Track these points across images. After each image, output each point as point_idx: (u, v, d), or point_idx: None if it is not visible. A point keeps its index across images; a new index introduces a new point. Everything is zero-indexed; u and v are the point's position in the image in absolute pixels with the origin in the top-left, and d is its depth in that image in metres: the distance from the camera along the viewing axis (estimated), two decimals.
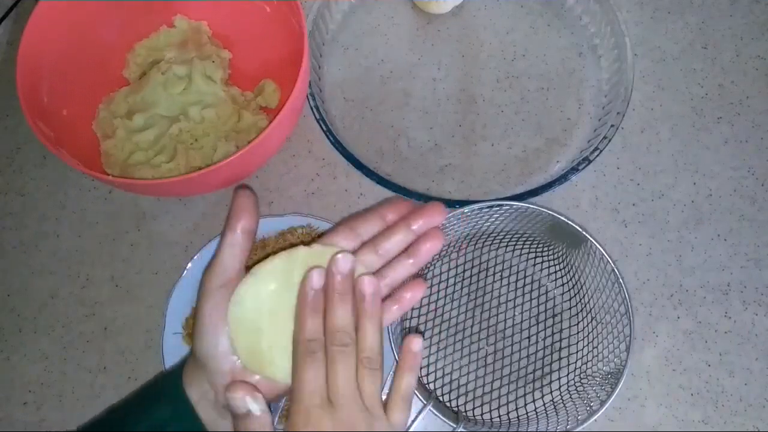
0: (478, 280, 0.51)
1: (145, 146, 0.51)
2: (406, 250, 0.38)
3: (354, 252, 0.37)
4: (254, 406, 0.33)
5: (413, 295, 0.38)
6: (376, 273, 0.37)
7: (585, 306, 0.49)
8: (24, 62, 0.46)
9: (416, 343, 0.37)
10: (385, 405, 0.36)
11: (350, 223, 0.38)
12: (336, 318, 0.35)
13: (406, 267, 0.38)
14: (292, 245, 0.50)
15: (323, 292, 0.35)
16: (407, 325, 0.49)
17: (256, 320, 0.34)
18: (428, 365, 0.48)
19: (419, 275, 0.39)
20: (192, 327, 0.36)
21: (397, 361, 0.40)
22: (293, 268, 0.35)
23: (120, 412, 0.40)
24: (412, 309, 0.49)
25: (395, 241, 0.38)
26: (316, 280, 0.35)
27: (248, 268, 0.37)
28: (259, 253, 0.49)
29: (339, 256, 0.36)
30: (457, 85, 0.57)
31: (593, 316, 0.48)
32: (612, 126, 0.52)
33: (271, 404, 0.36)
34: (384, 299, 0.38)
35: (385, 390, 0.41)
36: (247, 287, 0.35)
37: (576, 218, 0.51)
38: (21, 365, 0.50)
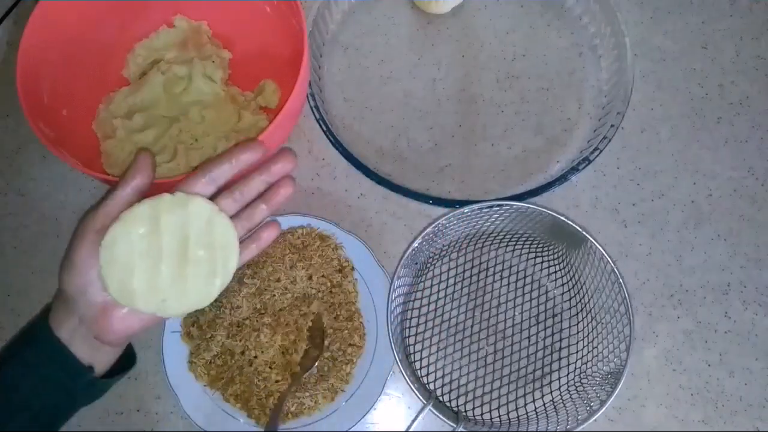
0: (478, 280, 0.51)
1: (145, 146, 0.51)
2: (262, 196, 0.40)
3: (212, 197, 0.39)
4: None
5: (269, 235, 0.41)
6: (234, 216, 0.39)
7: (585, 306, 0.49)
8: (24, 62, 0.46)
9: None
10: None
11: (205, 169, 0.39)
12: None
13: (262, 212, 0.40)
14: (292, 245, 0.50)
15: None
16: (408, 325, 0.49)
17: (127, 260, 0.36)
18: (428, 365, 0.48)
19: (275, 219, 0.43)
20: (61, 264, 0.38)
21: (395, 355, 0.40)
22: (159, 214, 0.37)
23: None
24: (412, 309, 0.49)
25: (251, 188, 0.40)
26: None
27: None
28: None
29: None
30: (457, 85, 0.57)
31: (593, 316, 0.48)
32: (612, 126, 0.52)
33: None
34: (242, 241, 0.40)
35: (384, 389, 0.41)
36: (118, 230, 0.36)
37: (576, 218, 0.51)
38: None
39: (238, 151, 0.39)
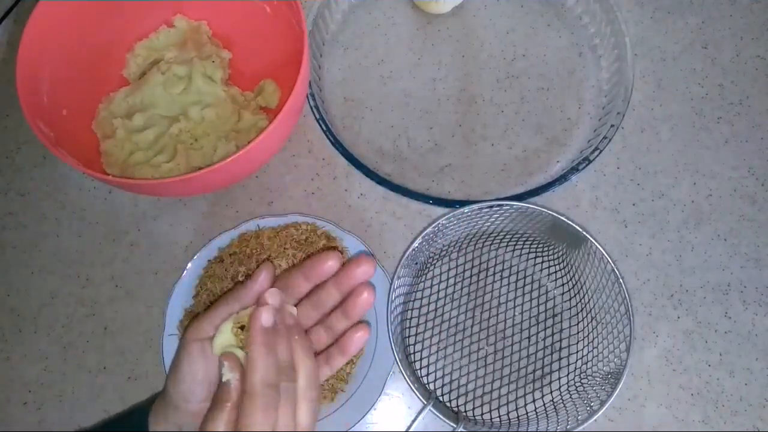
0: (478, 280, 0.51)
1: (145, 146, 0.51)
2: (342, 306, 0.40)
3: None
4: (229, 375, 0.36)
5: (360, 337, 0.40)
6: (315, 325, 0.40)
7: (585, 306, 0.49)
8: (24, 62, 0.46)
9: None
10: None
11: (282, 283, 0.40)
12: (282, 359, 0.36)
13: (342, 322, 0.40)
14: (295, 239, 0.50)
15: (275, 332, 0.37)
16: (408, 325, 0.49)
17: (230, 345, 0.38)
18: (428, 365, 0.48)
19: (361, 321, 0.41)
20: (170, 373, 0.39)
21: (395, 355, 0.41)
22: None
23: None
24: (412, 309, 0.49)
25: (328, 296, 0.40)
26: (266, 319, 0.36)
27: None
28: (252, 243, 0.49)
29: (267, 293, 0.38)
30: (457, 85, 0.57)
31: (593, 316, 0.48)
32: (612, 126, 0.52)
33: None
34: (329, 347, 0.40)
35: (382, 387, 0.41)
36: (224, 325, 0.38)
37: (576, 218, 0.51)
38: (21, 365, 0.50)
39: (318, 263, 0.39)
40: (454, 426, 0.43)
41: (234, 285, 0.47)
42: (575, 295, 0.50)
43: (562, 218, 0.45)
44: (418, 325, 0.49)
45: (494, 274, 0.51)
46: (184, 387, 0.38)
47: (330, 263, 0.38)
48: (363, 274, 0.39)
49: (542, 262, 0.51)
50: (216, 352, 0.37)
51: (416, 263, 0.49)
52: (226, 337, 0.37)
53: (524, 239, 0.51)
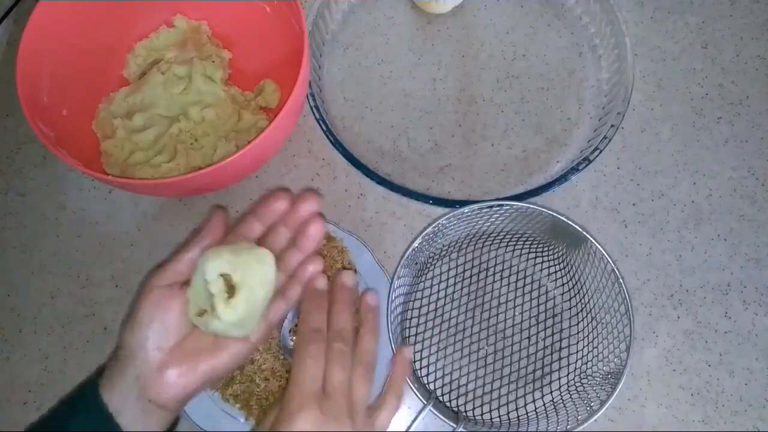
0: (478, 280, 0.51)
1: (145, 146, 0.51)
2: (294, 241, 0.41)
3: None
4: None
5: (315, 267, 0.41)
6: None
7: (585, 306, 0.49)
8: (24, 62, 0.46)
9: (408, 351, 0.43)
10: (377, 403, 0.40)
11: (257, 214, 0.41)
12: (341, 320, 0.39)
13: (295, 255, 0.41)
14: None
15: (328, 294, 0.40)
16: (408, 325, 0.49)
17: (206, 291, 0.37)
18: (428, 365, 0.48)
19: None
20: (123, 320, 0.38)
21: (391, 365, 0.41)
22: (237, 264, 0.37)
23: (37, 429, 0.39)
24: (412, 309, 0.49)
25: (279, 237, 0.41)
26: (322, 282, 0.40)
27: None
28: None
29: (346, 272, 0.41)
30: (457, 85, 0.57)
31: (593, 316, 0.48)
32: (612, 126, 0.52)
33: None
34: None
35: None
36: (209, 263, 0.37)
37: (576, 218, 0.51)
38: (21, 365, 0.50)
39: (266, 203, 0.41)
40: (454, 426, 0.43)
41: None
42: (575, 295, 0.50)
43: (562, 218, 0.45)
44: (418, 325, 0.49)
45: (494, 274, 0.51)
46: (141, 333, 0.36)
47: (279, 202, 0.41)
48: (308, 210, 0.41)
49: (542, 262, 0.51)
50: (190, 313, 0.37)
51: (416, 263, 0.49)
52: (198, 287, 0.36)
53: (524, 239, 0.51)
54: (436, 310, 0.50)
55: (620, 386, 0.41)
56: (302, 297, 0.40)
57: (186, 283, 0.38)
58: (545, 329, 0.49)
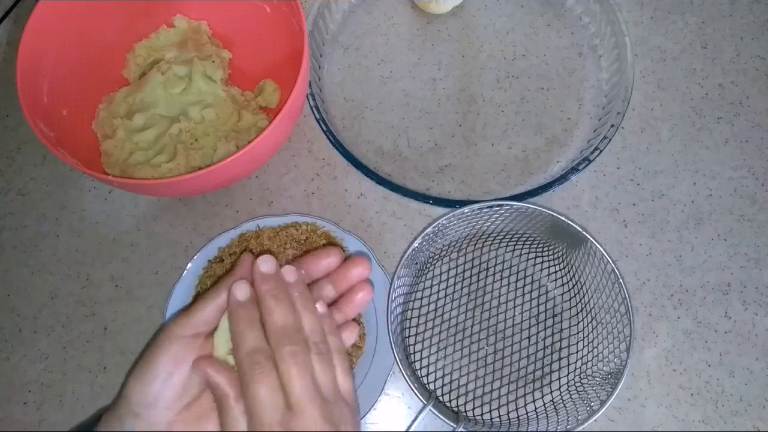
0: (478, 280, 0.51)
1: (145, 146, 0.51)
2: (337, 302, 0.39)
3: None
4: (217, 377, 0.33)
5: (348, 337, 0.39)
6: None
7: (585, 306, 0.49)
8: (24, 62, 0.45)
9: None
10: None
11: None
12: (275, 319, 0.34)
13: (336, 317, 0.39)
14: (295, 239, 0.50)
15: (254, 303, 0.35)
16: (408, 325, 0.49)
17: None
18: (428, 365, 0.48)
19: (354, 319, 0.41)
20: (132, 370, 0.34)
21: (395, 355, 0.40)
22: None
23: None
24: (412, 309, 0.49)
25: (324, 291, 0.39)
26: (241, 291, 0.35)
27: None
28: (252, 243, 0.49)
29: (259, 260, 0.36)
30: (457, 85, 0.57)
31: (593, 316, 0.48)
32: (612, 126, 0.52)
33: None
34: None
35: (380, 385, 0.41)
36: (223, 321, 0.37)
37: (576, 218, 0.51)
38: (21, 365, 0.50)
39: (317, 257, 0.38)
40: (454, 426, 0.43)
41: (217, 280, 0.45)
42: (575, 295, 0.50)
43: (562, 218, 0.45)
44: (418, 325, 0.49)
45: (494, 274, 0.51)
46: (153, 389, 0.33)
47: (331, 259, 0.39)
48: (358, 275, 0.39)
49: (542, 262, 0.51)
50: (219, 354, 0.35)
51: (416, 263, 0.49)
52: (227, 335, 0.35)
53: (524, 239, 0.51)
54: (436, 310, 0.50)
55: (620, 386, 0.41)
56: (229, 313, 0.35)
57: (210, 334, 0.36)
58: (545, 329, 0.49)
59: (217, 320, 0.36)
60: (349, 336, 0.39)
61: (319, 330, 0.35)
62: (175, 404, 0.34)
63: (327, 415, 0.32)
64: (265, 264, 0.36)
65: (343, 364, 0.35)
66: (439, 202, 0.50)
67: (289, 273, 0.36)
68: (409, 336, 0.48)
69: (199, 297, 0.37)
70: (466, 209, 0.46)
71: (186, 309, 0.36)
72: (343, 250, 0.50)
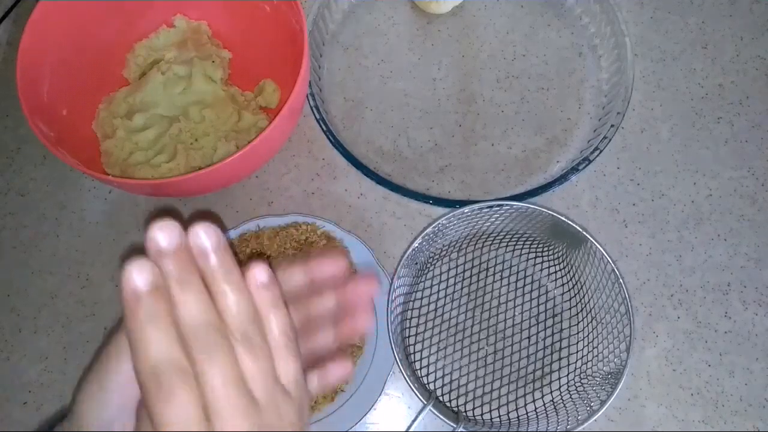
0: (478, 280, 0.51)
1: (145, 146, 0.51)
2: (337, 323, 0.33)
3: None
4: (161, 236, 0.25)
5: (336, 374, 0.32)
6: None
7: (585, 306, 0.49)
8: (24, 62, 0.46)
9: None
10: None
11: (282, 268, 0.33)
12: (183, 313, 0.24)
13: (328, 340, 0.33)
14: (295, 239, 0.50)
15: (160, 290, 0.24)
16: (408, 325, 0.49)
17: None
18: (428, 365, 0.48)
19: (347, 353, 0.34)
20: (82, 387, 0.29)
21: (395, 356, 0.40)
22: None
23: None
24: (412, 309, 0.49)
25: (322, 304, 0.33)
26: (140, 277, 0.24)
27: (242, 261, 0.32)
28: (252, 243, 0.49)
29: (151, 226, 0.25)
30: (457, 85, 0.57)
31: (593, 316, 0.48)
32: (612, 126, 0.52)
33: None
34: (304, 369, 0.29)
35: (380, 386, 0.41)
36: None
37: (576, 218, 0.51)
38: (21, 365, 0.50)
39: (318, 261, 0.32)
40: (454, 426, 0.43)
41: None
42: (575, 295, 0.50)
43: (562, 218, 0.45)
44: (418, 325, 0.49)
45: (494, 274, 0.51)
46: (108, 413, 0.28)
47: (337, 263, 0.33)
48: (365, 292, 0.33)
49: (542, 262, 0.51)
50: None
51: (416, 263, 0.49)
52: None
53: (524, 239, 0.51)
54: (436, 310, 0.50)
55: (620, 386, 0.41)
56: (124, 310, 0.24)
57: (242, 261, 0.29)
58: (545, 329, 0.49)
59: None
60: (338, 370, 0.32)
61: (246, 312, 0.26)
62: (132, 422, 0.28)
63: (257, 422, 0.25)
64: (162, 232, 0.24)
65: (284, 346, 0.27)
66: (439, 202, 0.50)
67: (203, 235, 0.25)
68: (409, 336, 0.48)
69: None
70: (466, 209, 0.46)
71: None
72: (346, 251, 0.50)
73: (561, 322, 0.49)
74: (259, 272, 0.27)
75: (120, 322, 0.26)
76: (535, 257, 0.51)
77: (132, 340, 0.24)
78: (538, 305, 0.50)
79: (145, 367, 0.24)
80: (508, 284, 0.50)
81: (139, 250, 0.25)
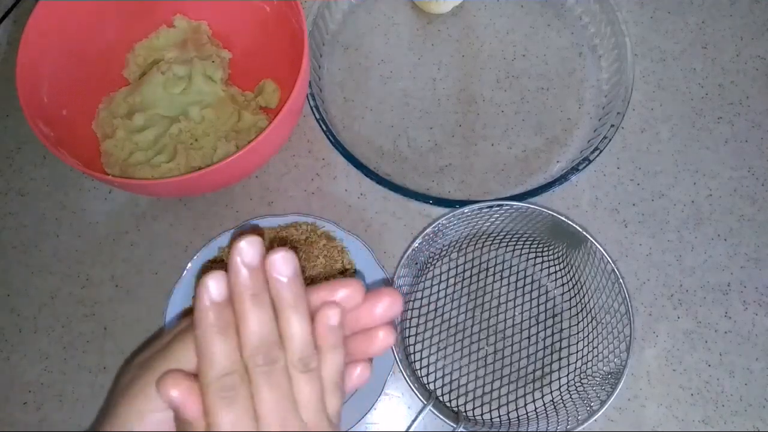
0: (478, 280, 0.51)
1: (145, 146, 0.51)
2: (352, 337, 0.31)
3: None
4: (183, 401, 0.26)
5: (360, 376, 0.31)
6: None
7: (585, 306, 0.49)
8: (24, 62, 0.46)
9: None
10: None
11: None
12: (249, 326, 0.26)
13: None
14: (295, 239, 0.50)
15: (229, 304, 0.26)
16: (408, 325, 0.49)
17: None
18: (428, 365, 0.48)
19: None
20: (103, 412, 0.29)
21: (395, 356, 0.40)
22: None
23: None
24: (412, 309, 0.49)
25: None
26: (215, 288, 0.26)
27: None
28: None
29: (239, 242, 0.26)
30: (457, 85, 0.57)
31: (593, 316, 0.48)
32: (612, 126, 0.52)
33: None
34: None
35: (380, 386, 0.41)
36: None
37: (576, 218, 0.51)
38: (21, 365, 0.50)
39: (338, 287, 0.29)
40: (454, 426, 0.43)
41: None
42: (575, 295, 0.50)
43: (562, 218, 0.45)
44: (418, 325, 0.49)
45: (494, 274, 0.51)
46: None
47: (353, 294, 0.30)
48: (387, 314, 0.31)
49: (542, 262, 0.51)
50: None
51: (416, 263, 0.49)
52: None
53: (524, 239, 0.51)
54: (436, 310, 0.50)
55: (620, 386, 0.41)
56: (195, 318, 0.26)
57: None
58: (545, 329, 0.49)
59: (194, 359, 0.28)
60: (361, 375, 0.31)
61: (307, 342, 0.27)
62: None
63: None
64: (251, 247, 0.26)
65: (334, 383, 0.28)
66: (439, 202, 0.50)
67: (281, 264, 0.27)
68: (409, 336, 0.48)
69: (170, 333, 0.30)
70: (466, 209, 0.46)
71: (159, 346, 0.29)
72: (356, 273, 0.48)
73: (561, 322, 0.49)
74: (332, 315, 0.28)
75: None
76: (535, 257, 0.51)
77: (200, 345, 0.26)
78: (538, 305, 0.50)
79: (212, 377, 0.25)
80: (508, 284, 0.51)
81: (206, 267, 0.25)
